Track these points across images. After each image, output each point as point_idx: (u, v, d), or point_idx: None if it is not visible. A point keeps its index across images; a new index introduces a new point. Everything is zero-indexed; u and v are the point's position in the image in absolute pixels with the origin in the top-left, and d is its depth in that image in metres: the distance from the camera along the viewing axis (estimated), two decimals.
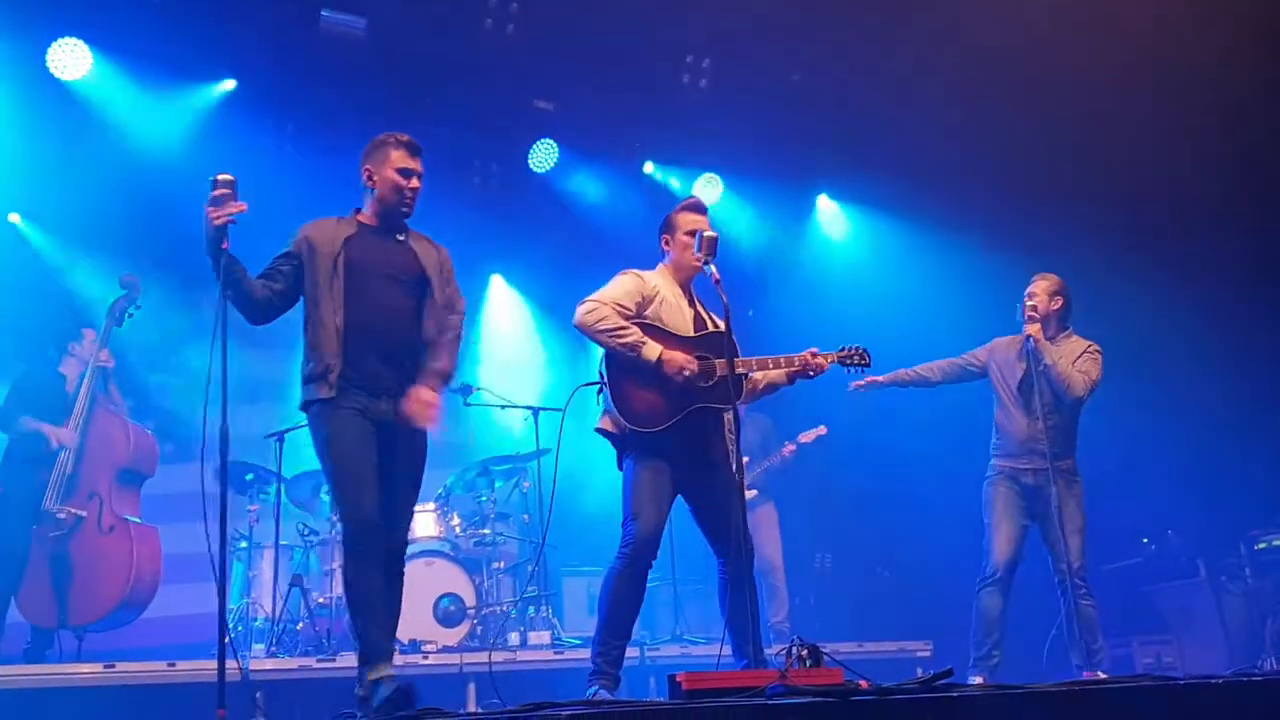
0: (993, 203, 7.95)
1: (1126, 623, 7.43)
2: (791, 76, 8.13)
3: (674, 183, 9.04)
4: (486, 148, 8.47)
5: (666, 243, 4.66)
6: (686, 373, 4.27)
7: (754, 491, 7.41)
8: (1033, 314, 5.43)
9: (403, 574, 4.10)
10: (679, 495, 4.43)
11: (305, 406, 3.99)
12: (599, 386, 4.44)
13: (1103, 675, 5.03)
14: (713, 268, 4.29)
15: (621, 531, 4.36)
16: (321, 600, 6.54)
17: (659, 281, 4.55)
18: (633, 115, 8.40)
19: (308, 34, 7.20)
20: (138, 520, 6.11)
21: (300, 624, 6.34)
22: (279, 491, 6.61)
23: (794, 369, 4.56)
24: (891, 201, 8.74)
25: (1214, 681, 3.47)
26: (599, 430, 4.48)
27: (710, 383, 4.34)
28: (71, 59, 6.90)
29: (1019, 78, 7.25)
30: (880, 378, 5.73)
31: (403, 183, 4.10)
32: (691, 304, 4.61)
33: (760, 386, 4.69)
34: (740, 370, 4.40)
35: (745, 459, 7.14)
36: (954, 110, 7.66)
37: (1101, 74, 7.12)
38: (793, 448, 7.57)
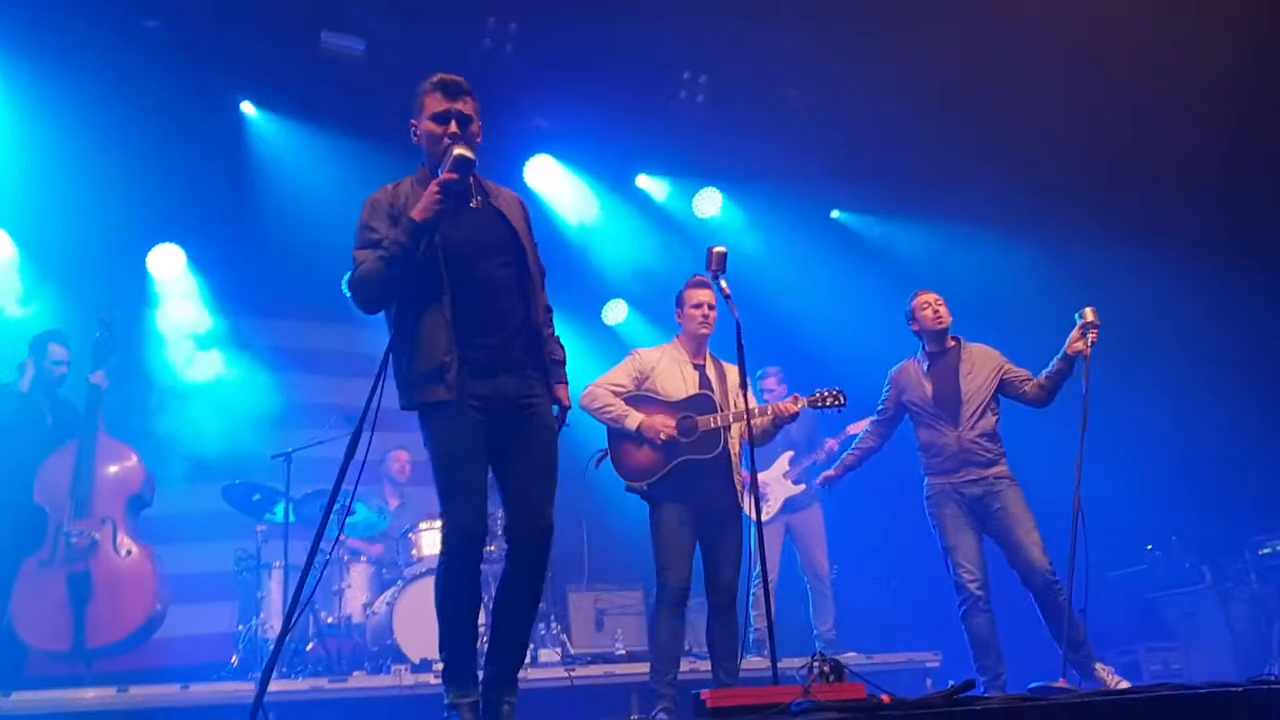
0: (1000, 201, 8.03)
1: (1133, 630, 7.44)
2: (788, 90, 8.22)
3: (665, 195, 9.10)
4: (485, 165, 8.49)
5: (679, 316, 5.25)
6: (663, 435, 4.91)
7: (801, 486, 7.47)
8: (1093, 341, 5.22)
9: (545, 564, 3.75)
10: (698, 540, 4.98)
11: (412, 406, 3.62)
12: (601, 455, 5.10)
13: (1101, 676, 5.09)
14: (723, 283, 4.36)
15: (656, 579, 4.94)
16: (330, 620, 6.54)
17: (660, 356, 5.22)
18: (632, 131, 8.44)
19: (308, 55, 7.26)
20: (148, 546, 6.11)
21: (310, 644, 6.33)
22: (287, 511, 6.61)
23: (775, 417, 5.03)
24: (894, 209, 8.84)
25: (1233, 689, 3.49)
26: (629, 490, 5.03)
27: (692, 438, 4.95)
28: None
29: (1012, 77, 7.33)
30: (832, 471, 6.06)
31: (439, 130, 3.66)
32: (699, 367, 5.17)
33: (759, 431, 5.02)
34: (717, 425, 4.95)
35: (791, 453, 7.26)
36: (948, 114, 7.74)
37: (1098, 80, 7.17)
38: (834, 444, 7.45)
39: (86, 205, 7.20)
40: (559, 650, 6.69)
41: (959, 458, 5.50)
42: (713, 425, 4.94)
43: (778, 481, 7.43)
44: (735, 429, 5.04)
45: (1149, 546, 7.59)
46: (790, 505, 7.46)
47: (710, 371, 5.19)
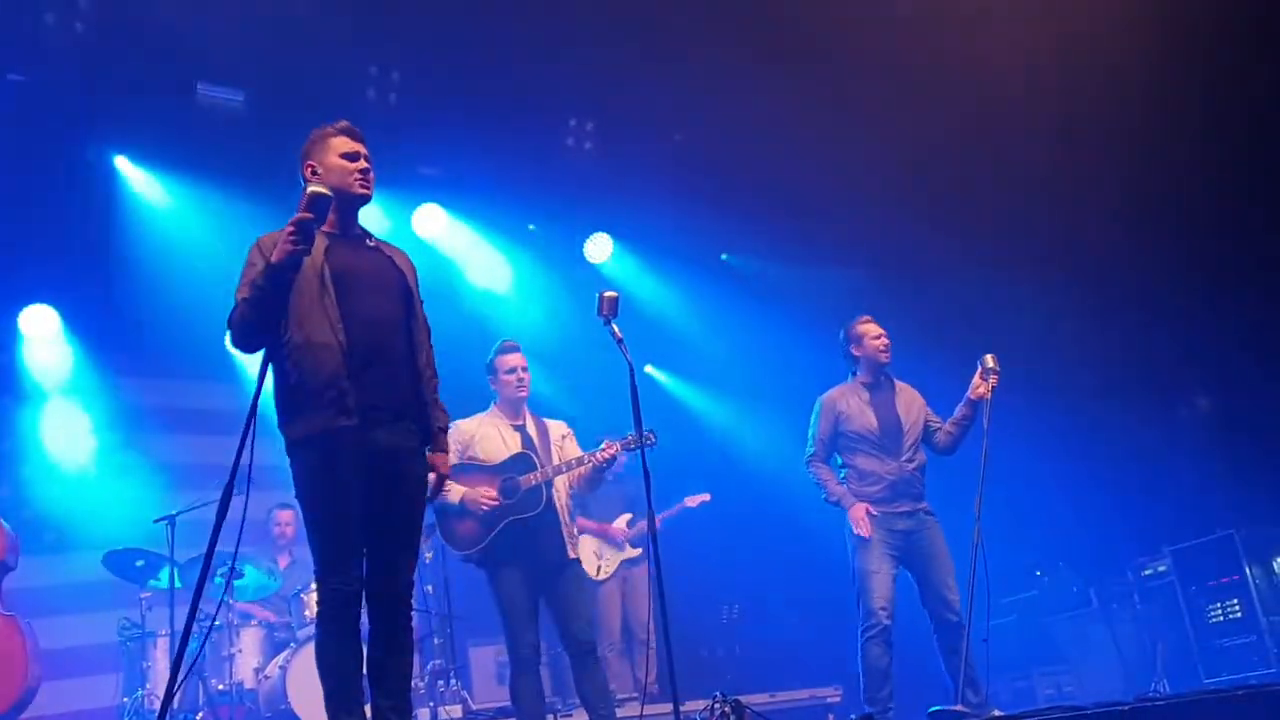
0: (883, 241, 8.21)
1: (1026, 655, 7.60)
2: (674, 136, 8.33)
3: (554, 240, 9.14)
4: (371, 214, 8.39)
5: (493, 384, 5.35)
6: (485, 506, 4.99)
7: (639, 550, 7.53)
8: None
9: (410, 629, 3.75)
10: (539, 597, 5.08)
11: (299, 443, 3.59)
12: (430, 530, 5.11)
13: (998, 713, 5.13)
14: (615, 327, 4.37)
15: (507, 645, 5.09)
16: (221, 687, 6.31)
17: (479, 424, 5.29)
18: (520, 178, 8.44)
19: (185, 107, 7.12)
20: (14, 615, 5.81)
21: (200, 714, 6.10)
22: (172, 577, 6.37)
23: (594, 464, 5.13)
24: (782, 251, 8.98)
25: (1121, 708, 3.59)
26: (465, 560, 5.17)
27: (515, 498, 5.05)
28: None
29: (898, 114, 7.51)
30: (871, 517, 5.51)
31: (350, 165, 3.72)
32: (520, 427, 5.29)
33: (582, 480, 5.27)
34: (537, 481, 5.06)
35: (630, 515, 7.32)
36: (836, 156, 7.90)
37: (984, 105, 7.37)
38: (659, 520, 7.48)
39: None
40: (460, 706, 6.56)
41: (895, 488, 5.50)
42: (533, 482, 5.06)
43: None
44: (561, 483, 5.16)
45: (1038, 572, 7.77)
46: (626, 563, 7.56)
47: (531, 430, 5.31)
